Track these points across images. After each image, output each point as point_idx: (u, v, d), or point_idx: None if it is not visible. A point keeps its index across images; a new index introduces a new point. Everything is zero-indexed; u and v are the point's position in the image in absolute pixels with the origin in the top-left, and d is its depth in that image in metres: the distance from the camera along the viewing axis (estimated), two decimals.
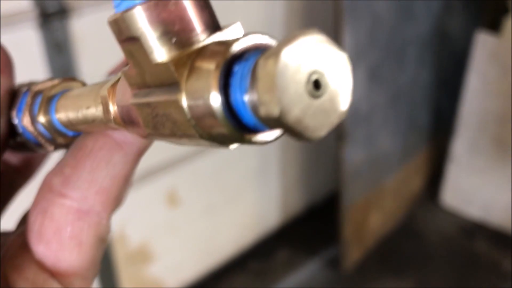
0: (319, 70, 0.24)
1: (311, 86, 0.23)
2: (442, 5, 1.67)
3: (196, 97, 0.27)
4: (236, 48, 0.25)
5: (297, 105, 0.23)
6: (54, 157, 0.29)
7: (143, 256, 1.35)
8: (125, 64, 0.32)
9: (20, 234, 0.24)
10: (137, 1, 0.29)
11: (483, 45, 1.59)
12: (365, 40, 1.38)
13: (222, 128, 0.26)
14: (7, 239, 0.25)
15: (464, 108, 1.68)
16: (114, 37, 0.28)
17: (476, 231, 1.73)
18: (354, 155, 1.46)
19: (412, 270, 1.61)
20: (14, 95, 0.29)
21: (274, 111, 0.22)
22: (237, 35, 0.26)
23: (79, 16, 1.02)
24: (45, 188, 0.23)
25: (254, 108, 0.23)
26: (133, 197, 1.25)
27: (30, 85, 0.28)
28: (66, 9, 0.99)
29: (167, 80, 0.27)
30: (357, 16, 1.32)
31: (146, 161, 1.24)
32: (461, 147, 1.73)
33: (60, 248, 0.23)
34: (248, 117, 0.24)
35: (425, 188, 1.90)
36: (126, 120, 0.27)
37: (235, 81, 0.24)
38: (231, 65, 0.25)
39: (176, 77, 0.26)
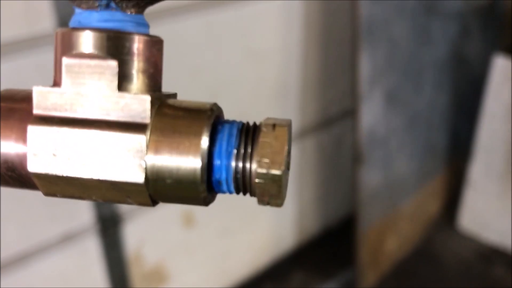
0: (290, 149, 0.29)
1: (288, 159, 0.28)
2: (460, 29, 1.68)
3: (172, 151, 0.27)
4: (214, 114, 0.28)
5: (286, 174, 0.28)
6: None
7: (158, 276, 1.35)
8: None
9: None
10: (129, 26, 0.29)
11: (501, 69, 1.59)
12: (382, 63, 1.38)
13: (191, 189, 0.28)
14: None
15: (482, 132, 1.67)
16: (58, 47, 0.28)
17: (494, 256, 1.71)
18: (370, 178, 1.45)
19: None
20: None
21: (279, 169, 0.26)
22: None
23: None
24: None
25: (244, 168, 0.27)
26: (149, 218, 1.26)
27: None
28: None
29: (126, 116, 0.27)
30: (375, 39, 1.33)
31: None
32: (478, 171, 1.72)
33: None
34: (221, 181, 0.28)
35: (442, 212, 1.88)
36: None
37: (219, 148, 0.27)
38: (213, 131, 0.28)
39: (148, 116, 0.27)
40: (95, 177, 0.27)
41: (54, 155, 0.27)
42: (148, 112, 0.27)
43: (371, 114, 1.39)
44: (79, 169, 0.27)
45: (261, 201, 0.28)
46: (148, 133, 0.27)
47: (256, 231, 1.59)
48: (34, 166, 0.28)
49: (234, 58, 1.30)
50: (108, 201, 0.29)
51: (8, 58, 0.93)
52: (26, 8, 0.93)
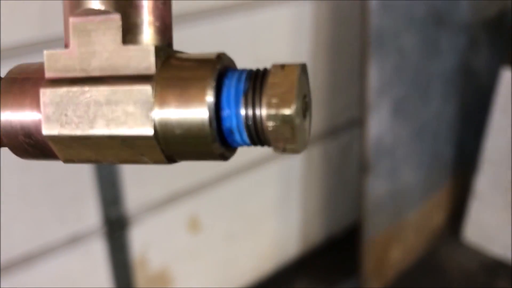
0: (307, 95, 0.28)
1: (304, 104, 0.27)
2: (468, 41, 1.68)
3: (179, 101, 0.26)
4: (222, 63, 0.27)
5: (299, 114, 0.26)
6: None
7: (162, 280, 1.35)
8: None
9: None
10: None
11: (508, 81, 1.59)
12: (390, 74, 1.39)
13: (201, 141, 0.27)
14: None
15: (488, 144, 1.67)
16: (64, 9, 0.29)
17: (498, 269, 1.70)
18: (376, 187, 1.46)
19: None
20: None
21: (290, 108, 0.24)
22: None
23: None
24: None
25: (255, 113, 0.25)
26: (155, 222, 1.26)
27: None
28: None
29: (132, 69, 0.27)
30: (383, 50, 1.34)
31: (169, 186, 1.26)
32: (484, 183, 1.72)
33: None
34: (233, 130, 0.26)
35: (447, 224, 1.88)
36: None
37: (227, 95, 0.26)
38: (220, 78, 0.27)
39: (153, 66, 0.26)
40: (106, 133, 0.27)
41: (65, 115, 0.27)
42: (152, 63, 0.27)
43: (379, 124, 1.39)
44: (90, 127, 0.27)
45: (276, 148, 0.26)
46: (153, 84, 0.27)
47: (261, 238, 1.59)
48: (47, 129, 0.28)
49: (242, 65, 1.31)
50: (124, 162, 0.28)
51: (24, 59, 0.93)
52: (42, 11, 0.94)
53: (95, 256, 1.18)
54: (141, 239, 1.25)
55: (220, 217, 1.44)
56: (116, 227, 1.19)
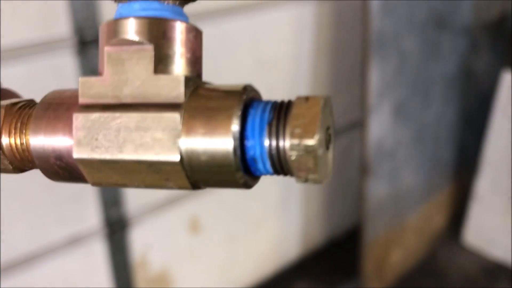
0: (331, 127, 0.28)
1: (327, 136, 0.27)
2: (469, 44, 1.68)
3: (205, 129, 0.27)
4: (248, 94, 0.28)
5: (322, 145, 0.26)
6: None
7: (163, 282, 1.35)
8: None
9: None
10: (167, 13, 0.30)
11: (509, 84, 1.59)
12: (391, 77, 1.39)
13: (225, 169, 0.28)
14: None
15: (489, 147, 1.68)
16: (101, 39, 0.30)
17: (498, 272, 1.70)
18: (377, 190, 1.46)
19: None
20: None
21: (313, 139, 0.25)
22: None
23: None
24: None
25: (278, 143, 0.26)
26: (155, 223, 1.26)
27: None
28: None
29: (162, 97, 0.28)
30: (385, 53, 1.34)
31: None
32: (484, 186, 1.72)
33: None
34: (256, 159, 0.27)
35: (447, 227, 1.88)
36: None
37: (252, 124, 0.27)
38: (246, 109, 0.28)
39: (182, 95, 0.28)
40: (133, 158, 0.28)
41: (96, 139, 0.28)
42: (181, 92, 0.28)
43: (379, 126, 1.39)
44: (119, 152, 0.28)
45: (299, 177, 0.27)
46: (182, 112, 0.28)
47: (261, 239, 1.59)
48: (78, 152, 0.29)
49: (244, 67, 1.31)
50: (150, 187, 0.29)
51: (25, 60, 0.94)
52: (43, 12, 0.94)
53: (96, 257, 1.18)
54: (141, 240, 1.25)
55: (220, 219, 1.44)
56: (116, 228, 1.19)
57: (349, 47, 1.56)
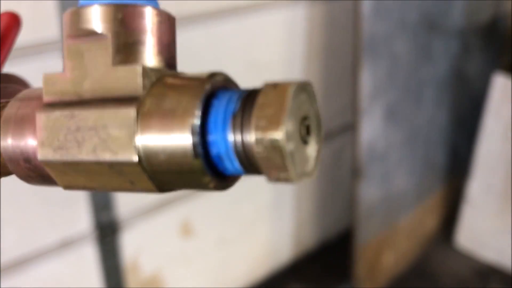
0: (311, 117, 0.25)
1: (304, 128, 0.24)
2: (460, 47, 1.69)
3: (162, 124, 0.24)
4: (213, 83, 0.25)
5: (294, 139, 0.23)
6: None
7: (155, 286, 1.35)
8: None
9: None
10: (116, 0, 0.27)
11: (500, 87, 1.59)
12: (383, 79, 1.39)
13: (187, 168, 0.24)
14: None
15: (481, 149, 1.68)
16: (63, 31, 0.28)
17: (491, 274, 1.71)
18: (369, 192, 1.46)
19: None
20: None
21: (278, 132, 0.22)
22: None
23: None
24: None
25: (243, 138, 0.23)
26: (147, 227, 1.26)
27: None
28: None
29: (120, 91, 0.25)
30: (376, 55, 1.34)
31: None
32: (476, 188, 1.72)
33: None
34: (222, 156, 0.24)
35: (439, 229, 1.88)
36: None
37: (215, 117, 0.24)
38: (209, 99, 0.24)
39: (140, 88, 0.25)
40: (93, 158, 0.26)
41: (58, 140, 0.26)
42: (139, 83, 0.25)
43: (371, 129, 1.39)
44: (79, 153, 0.26)
45: (269, 177, 0.23)
46: (139, 106, 0.25)
47: (254, 242, 1.58)
48: (41, 154, 0.27)
49: (236, 69, 1.31)
50: (118, 190, 0.27)
51: (14, 63, 0.93)
52: (32, 14, 0.94)
53: (87, 261, 1.18)
54: (133, 244, 1.24)
55: (212, 222, 1.43)
56: (107, 232, 1.18)
57: (341, 49, 1.56)
